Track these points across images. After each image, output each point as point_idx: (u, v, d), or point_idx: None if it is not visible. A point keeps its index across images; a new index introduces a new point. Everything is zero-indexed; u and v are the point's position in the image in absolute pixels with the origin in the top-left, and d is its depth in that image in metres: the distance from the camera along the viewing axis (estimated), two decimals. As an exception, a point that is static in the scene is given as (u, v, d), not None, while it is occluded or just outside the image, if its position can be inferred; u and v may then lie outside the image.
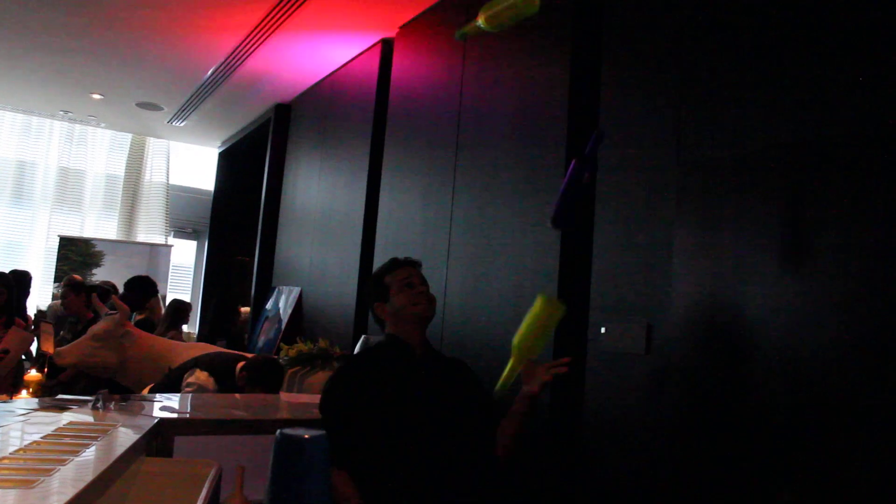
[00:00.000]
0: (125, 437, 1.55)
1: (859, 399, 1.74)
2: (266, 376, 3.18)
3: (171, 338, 4.49)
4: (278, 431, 1.21)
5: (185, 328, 6.01)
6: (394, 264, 2.32)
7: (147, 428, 1.73)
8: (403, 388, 2.11)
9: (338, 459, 1.90)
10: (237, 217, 7.93)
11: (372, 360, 2.20)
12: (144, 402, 2.32)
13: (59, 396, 2.21)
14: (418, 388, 2.14)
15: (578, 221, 2.28)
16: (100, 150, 8.70)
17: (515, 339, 2.03)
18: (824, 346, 1.83)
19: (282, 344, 3.66)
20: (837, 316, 1.81)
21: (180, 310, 5.28)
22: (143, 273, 6.60)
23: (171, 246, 8.48)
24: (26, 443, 1.35)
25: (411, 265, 2.32)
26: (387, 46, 4.59)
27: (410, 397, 2.10)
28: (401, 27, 4.36)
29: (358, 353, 2.26)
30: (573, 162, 2.11)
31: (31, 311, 6.39)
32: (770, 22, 2.11)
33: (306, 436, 1.17)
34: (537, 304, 2.04)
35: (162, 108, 7.11)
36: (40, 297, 7.70)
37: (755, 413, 1.98)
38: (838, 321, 1.81)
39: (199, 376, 3.14)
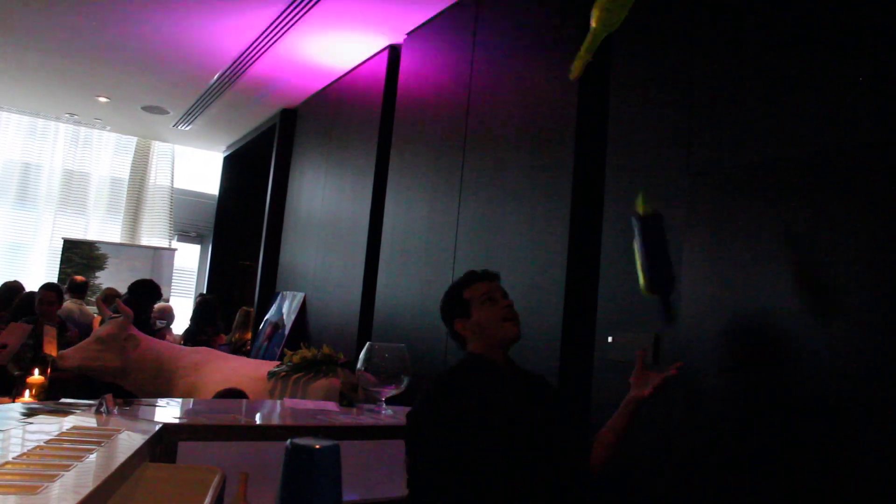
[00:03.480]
0: (129, 442, 1.54)
1: (869, 407, 1.72)
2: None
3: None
4: (289, 441, 1.19)
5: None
6: (472, 277, 2.13)
7: (151, 433, 1.71)
8: (498, 411, 1.91)
9: (437, 491, 1.78)
10: (241, 221, 7.93)
11: (459, 381, 1.97)
12: (148, 407, 2.31)
13: (62, 400, 2.19)
14: (513, 409, 1.95)
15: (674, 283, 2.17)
16: (105, 153, 8.71)
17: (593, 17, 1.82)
18: (834, 355, 1.81)
19: (285, 349, 3.65)
20: (848, 325, 1.79)
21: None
22: (146, 276, 6.60)
23: (174, 249, 8.48)
24: (29, 447, 1.34)
25: (490, 278, 2.13)
26: (394, 52, 4.59)
27: (506, 420, 1.91)
28: (408, 33, 4.36)
29: (443, 375, 2.02)
30: (640, 222, 2.07)
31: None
32: (780, 31, 2.10)
33: (317, 446, 1.15)
34: None
35: (167, 112, 7.12)
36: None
37: (763, 422, 1.96)
38: (849, 330, 1.79)
39: None
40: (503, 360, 2.06)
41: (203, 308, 6.10)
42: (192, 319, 6.06)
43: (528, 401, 2.02)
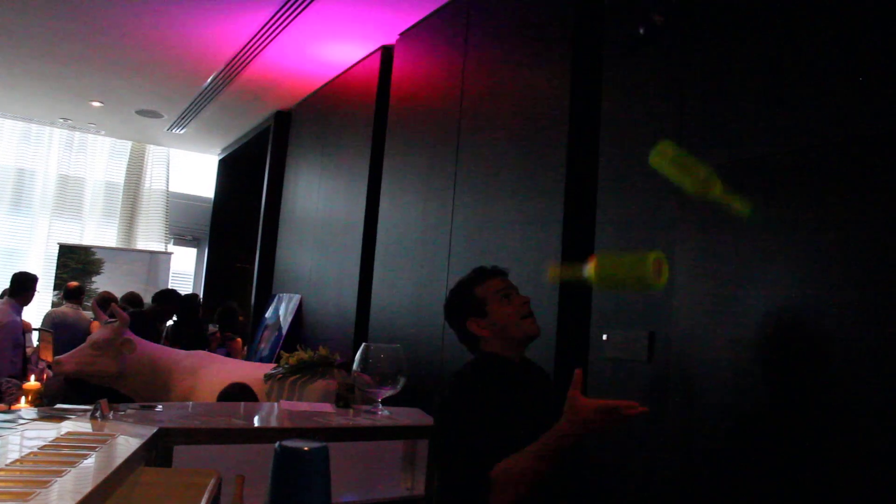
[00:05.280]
0: (124, 446, 1.54)
1: (862, 403, 1.73)
2: None
3: None
4: (278, 444, 1.19)
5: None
6: (482, 274, 2.04)
7: (146, 437, 1.71)
8: (517, 412, 1.86)
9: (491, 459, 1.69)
10: (237, 224, 7.93)
11: (479, 380, 1.90)
12: (144, 411, 2.31)
13: (58, 406, 2.19)
14: (530, 409, 1.89)
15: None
16: (99, 157, 8.70)
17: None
18: (827, 352, 1.82)
19: (282, 352, 3.65)
20: (840, 321, 1.80)
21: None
22: (143, 281, 6.65)
23: (170, 253, 8.47)
24: (24, 454, 1.34)
25: (501, 274, 2.06)
26: (387, 53, 4.59)
27: (525, 420, 1.84)
28: (401, 34, 4.36)
29: (463, 375, 1.93)
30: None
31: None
32: (771, 25, 2.10)
33: (306, 448, 1.16)
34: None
35: (162, 116, 7.11)
36: (40, 304, 7.69)
37: (757, 420, 1.96)
38: (841, 326, 1.80)
39: None
40: (519, 358, 2.00)
41: (225, 314, 6.22)
42: (214, 325, 6.19)
43: (541, 399, 1.97)
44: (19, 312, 5.62)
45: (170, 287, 6.55)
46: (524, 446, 1.73)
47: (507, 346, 1.97)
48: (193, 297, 6.33)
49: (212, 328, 6.21)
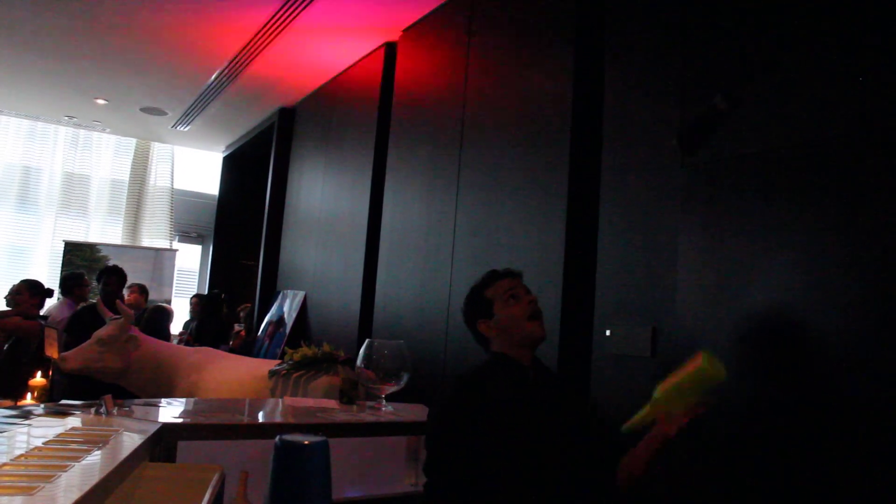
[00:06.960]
0: (128, 442, 1.55)
1: (864, 400, 1.73)
2: None
3: None
4: (278, 437, 1.20)
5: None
6: (493, 276, 2.06)
7: (150, 433, 1.72)
8: (520, 413, 1.87)
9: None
10: (242, 221, 7.95)
11: (481, 380, 1.91)
12: (148, 407, 2.32)
13: (63, 402, 2.20)
14: (538, 413, 1.90)
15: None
16: (104, 155, 8.73)
17: (658, 392, 1.74)
18: (830, 348, 1.82)
19: (286, 348, 3.66)
20: (843, 317, 1.80)
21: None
22: (148, 278, 6.69)
23: (176, 250, 8.49)
24: (29, 448, 1.35)
25: (512, 276, 2.06)
26: (390, 50, 4.59)
27: (531, 424, 1.87)
28: (404, 31, 4.36)
29: (465, 376, 1.93)
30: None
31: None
32: (773, 24, 2.10)
33: (306, 441, 1.16)
34: (699, 361, 1.70)
35: (166, 113, 7.12)
36: (46, 302, 7.71)
37: (760, 415, 1.97)
38: (844, 322, 1.79)
39: None
40: (529, 360, 1.99)
41: (252, 316, 6.47)
42: (246, 326, 6.42)
43: (553, 404, 1.95)
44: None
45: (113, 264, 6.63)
46: (526, 450, 1.81)
47: (512, 346, 1.98)
48: (217, 294, 6.41)
49: (237, 327, 6.33)
